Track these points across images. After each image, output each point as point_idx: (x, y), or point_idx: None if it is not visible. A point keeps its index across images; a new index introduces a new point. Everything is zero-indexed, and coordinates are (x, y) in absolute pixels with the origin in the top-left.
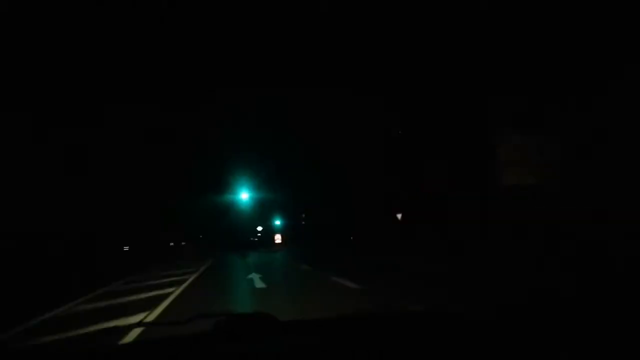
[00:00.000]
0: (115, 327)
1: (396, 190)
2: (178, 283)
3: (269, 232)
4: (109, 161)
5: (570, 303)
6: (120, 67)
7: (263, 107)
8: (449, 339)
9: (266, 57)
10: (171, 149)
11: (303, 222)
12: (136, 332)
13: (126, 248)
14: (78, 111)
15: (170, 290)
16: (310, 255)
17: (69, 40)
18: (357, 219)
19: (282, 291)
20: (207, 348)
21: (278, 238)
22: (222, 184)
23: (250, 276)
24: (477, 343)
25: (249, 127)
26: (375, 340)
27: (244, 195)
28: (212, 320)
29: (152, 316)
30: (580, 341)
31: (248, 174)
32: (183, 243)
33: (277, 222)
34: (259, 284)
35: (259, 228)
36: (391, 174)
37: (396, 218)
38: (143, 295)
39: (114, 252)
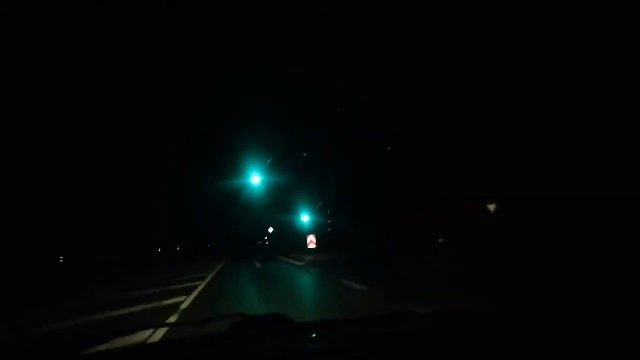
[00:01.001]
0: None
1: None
2: None
3: (289, 234)
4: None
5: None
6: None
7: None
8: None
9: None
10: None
11: (329, 220)
12: (161, 332)
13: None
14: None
15: None
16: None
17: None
18: (443, 212)
19: None
20: (224, 348)
21: (311, 240)
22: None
23: None
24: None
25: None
26: (390, 342)
27: (255, 180)
28: (229, 320)
29: None
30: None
31: (259, 153)
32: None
33: (306, 219)
34: None
35: (270, 230)
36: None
37: (487, 211)
38: None
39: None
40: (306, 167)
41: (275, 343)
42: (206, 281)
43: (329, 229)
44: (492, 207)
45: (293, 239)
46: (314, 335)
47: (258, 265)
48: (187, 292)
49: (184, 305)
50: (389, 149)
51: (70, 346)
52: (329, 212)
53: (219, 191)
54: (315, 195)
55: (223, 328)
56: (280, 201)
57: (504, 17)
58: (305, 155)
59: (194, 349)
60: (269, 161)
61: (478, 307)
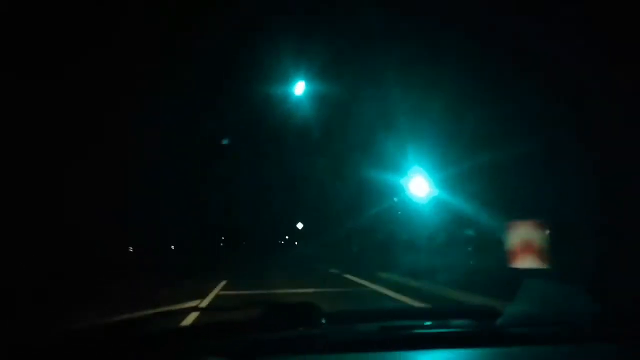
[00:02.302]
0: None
1: None
2: None
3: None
4: None
5: None
6: None
7: None
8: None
9: None
10: None
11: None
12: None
13: None
14: None
15: None
16: None
17: None
18: None
19: None
20: (256, 333)
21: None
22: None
23: None
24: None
25: None
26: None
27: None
28: (260, 307)
29: None
30: None
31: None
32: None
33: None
34: None
35: (299, 226)
36: None
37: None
38: None
39: None
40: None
41: (305, 332)
42: None
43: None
44: None
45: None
46: (344, 326)
47: None
48: None
49: None
50: None
51: (114, 327)
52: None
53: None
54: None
55: (256, 314)
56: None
57: None
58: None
59: (224, 334)
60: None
61: None
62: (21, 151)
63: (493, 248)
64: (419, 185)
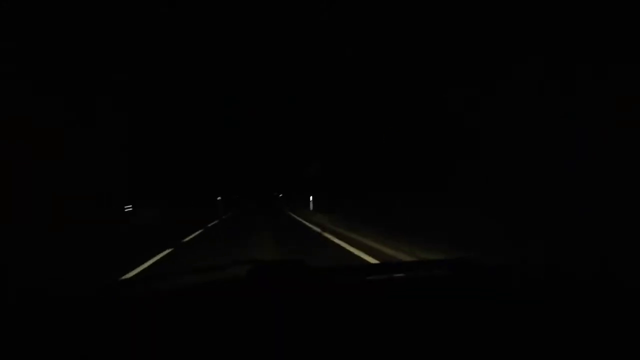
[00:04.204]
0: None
1: None
2: None
3: None
4: None
5: None
6: None
7: None
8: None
9: None
10: None
11: None
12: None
13: None
14: None
15: None
16: None
17: None
18: None
19: None
20: (243, 292)
21: None
22: None
23: None
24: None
25: None
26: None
27: None
28: (246, 266)
29: None
30: None
31: None
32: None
33: None
34: None
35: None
36: None
37: None
38: None
39: None
40: None
41: (292, 288)
42: None
43: None
44: None
45: None
46: (332, 281)
47: None
48: None
49: None
50: None
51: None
52: None
53: None
54: None
55: (242, 273)
56: None
57: None
58: None
59: (211, 294)
60: None
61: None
62: None
63: None
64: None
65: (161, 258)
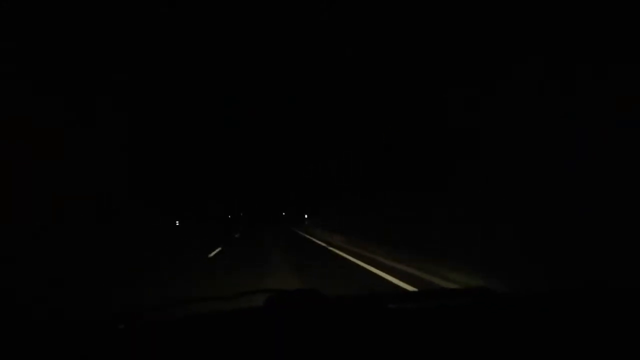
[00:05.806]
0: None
1: None
2: None
3: None
4: None
5: None
6: None
7: None
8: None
9: None
10: None
11: None
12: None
13: None
14: None
15: None
16: None
17: None
18: None
19: None
20: (254, 323)
21: None
22: None
23: None
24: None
25: None
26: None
27: None
28: (258, 296)
29: None
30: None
31: None
32: None
33: None
34: None
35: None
36: None
37: None
38: None
39: None
40: None
41: (306, 318)
42: None
43: None
44: None
45: None
46: (349, 312)
47: None
48: None
49: None
50: None
51: (106, 322)
52: None
53: None
54: None
55: (253, 303)
56: None
57: None
58: None
59: (226, 325)
60: None
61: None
62: None
63: None
64: None
65: None
